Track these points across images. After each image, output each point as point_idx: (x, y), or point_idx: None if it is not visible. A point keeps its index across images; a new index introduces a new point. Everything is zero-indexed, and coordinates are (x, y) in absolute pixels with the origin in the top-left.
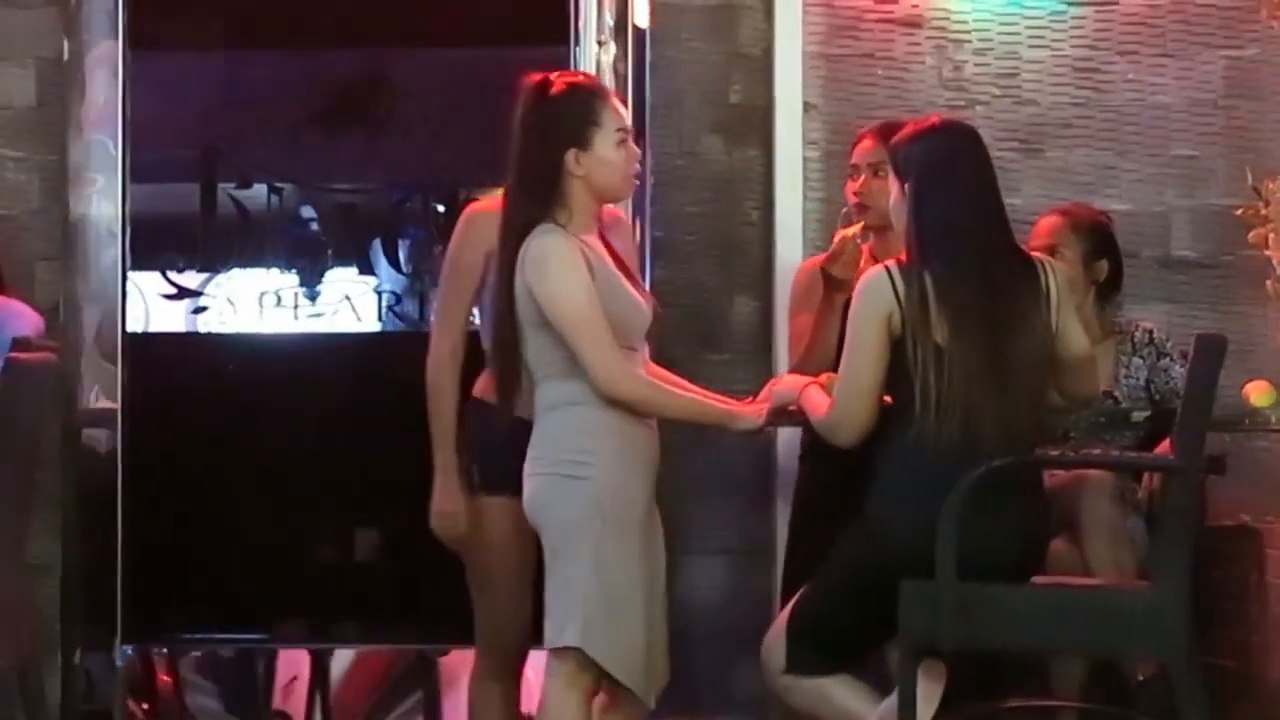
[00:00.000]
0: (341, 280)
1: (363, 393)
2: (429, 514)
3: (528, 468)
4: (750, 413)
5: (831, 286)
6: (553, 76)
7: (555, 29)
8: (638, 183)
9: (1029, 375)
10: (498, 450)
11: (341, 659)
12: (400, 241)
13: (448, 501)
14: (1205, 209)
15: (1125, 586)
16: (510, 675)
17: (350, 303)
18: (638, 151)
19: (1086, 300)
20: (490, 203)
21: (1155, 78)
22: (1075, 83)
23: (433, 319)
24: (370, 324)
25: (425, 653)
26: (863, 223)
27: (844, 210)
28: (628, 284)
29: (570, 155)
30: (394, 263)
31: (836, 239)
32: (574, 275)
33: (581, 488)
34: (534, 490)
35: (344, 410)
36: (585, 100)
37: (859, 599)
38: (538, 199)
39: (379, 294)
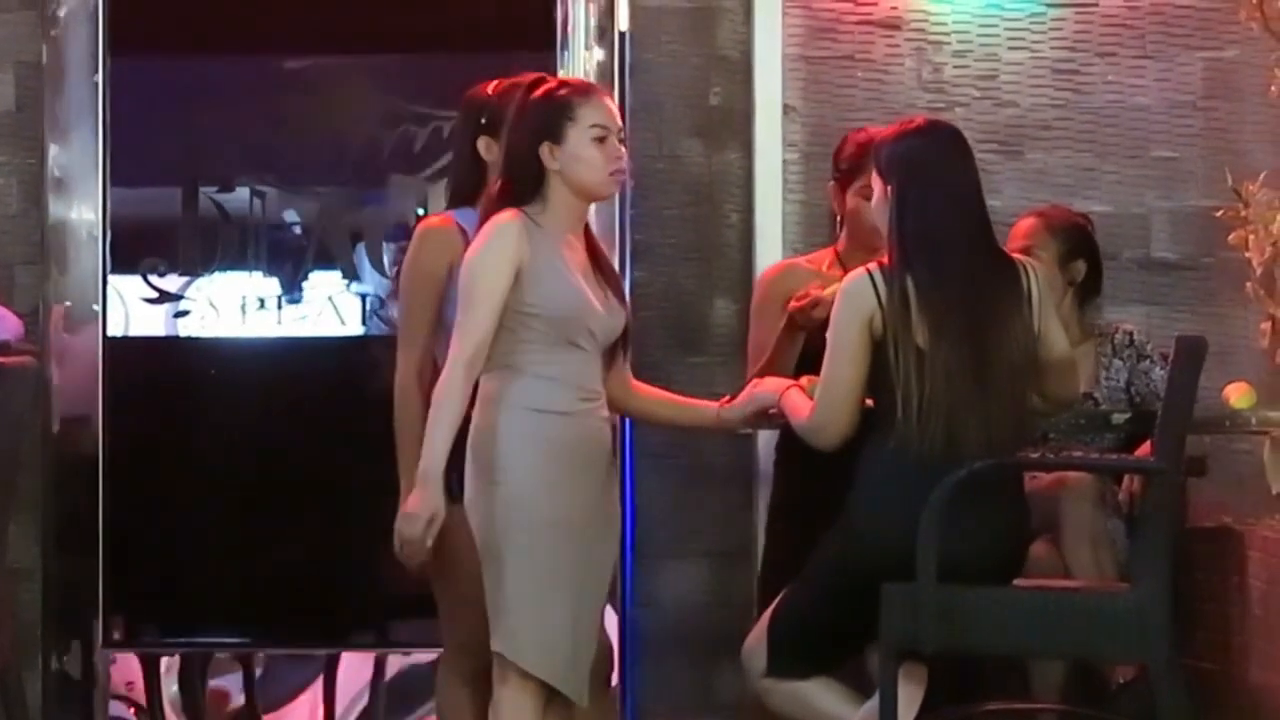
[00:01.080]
0: (324, 284)
1: (346, 396)
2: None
3: (466, 468)
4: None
5: (793, 325)
6: (545, 76)
7: (542, 34)
8: (619, 182)
9: (1011, 378)
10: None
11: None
12: (384, 245)
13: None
14: (1185, 211)
15: (1106, 589)
16: (478, 678)
17: (333, 305)
18: (620, 150)
19: (1064, 301)
20: (443, 218)
21: (1134, 79)
22: (1055, 84)
23: (398, 339)
24: (354, 327)
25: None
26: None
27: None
28: (582, 282)
29: (545, 149)
30: (377, 266)
31: (810, 295)
32: (495, 254)
33: (499, 492)
34: (466, 494)
35: (327, 414)
36: (563, 97)
37: (840, 602)
38: (518, 191)
39: (362, 297)
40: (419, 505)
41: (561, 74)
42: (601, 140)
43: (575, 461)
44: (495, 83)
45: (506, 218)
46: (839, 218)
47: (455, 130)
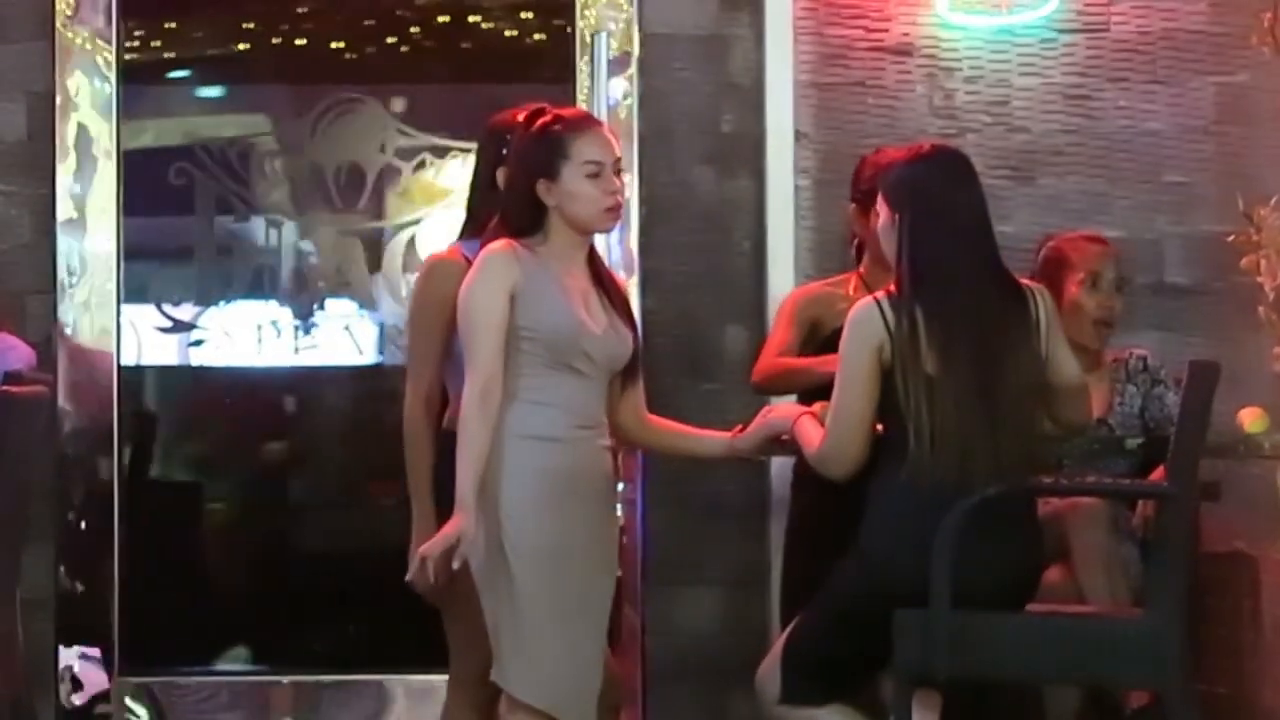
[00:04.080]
0: (341, 312)
1: (362, 424)
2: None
3: None
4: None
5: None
6: (545, 109)
7: (561, 65)
8: (615, 217)
9: (1021, 405)
10: None
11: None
12: (402, 274)
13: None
14: (1197, 235)
15: (1120, 614)
16: (487, 708)
17: (350, 334)
18: (615, 185)
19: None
20: (450, 251)
21: (1146, 104)
22: (1066, 110)
23: (407, 372)
24: (370, 356)
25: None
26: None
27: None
28: (578, 306)
29: (541, 185)
30: (394, 294)
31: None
32: (487, 285)
33: (492, 521)
34: None
35: (343, 442)
36: (557, 133)
37: (853, 629)
38: (518, 225)
39: (379, 326)
40: (448, 528)
41: (581, 104)
42: (596, 175)
43: (569, 488)
44: (513, 112)
45: (496, 248)
46: (859, 241)
47: (476, 158)
